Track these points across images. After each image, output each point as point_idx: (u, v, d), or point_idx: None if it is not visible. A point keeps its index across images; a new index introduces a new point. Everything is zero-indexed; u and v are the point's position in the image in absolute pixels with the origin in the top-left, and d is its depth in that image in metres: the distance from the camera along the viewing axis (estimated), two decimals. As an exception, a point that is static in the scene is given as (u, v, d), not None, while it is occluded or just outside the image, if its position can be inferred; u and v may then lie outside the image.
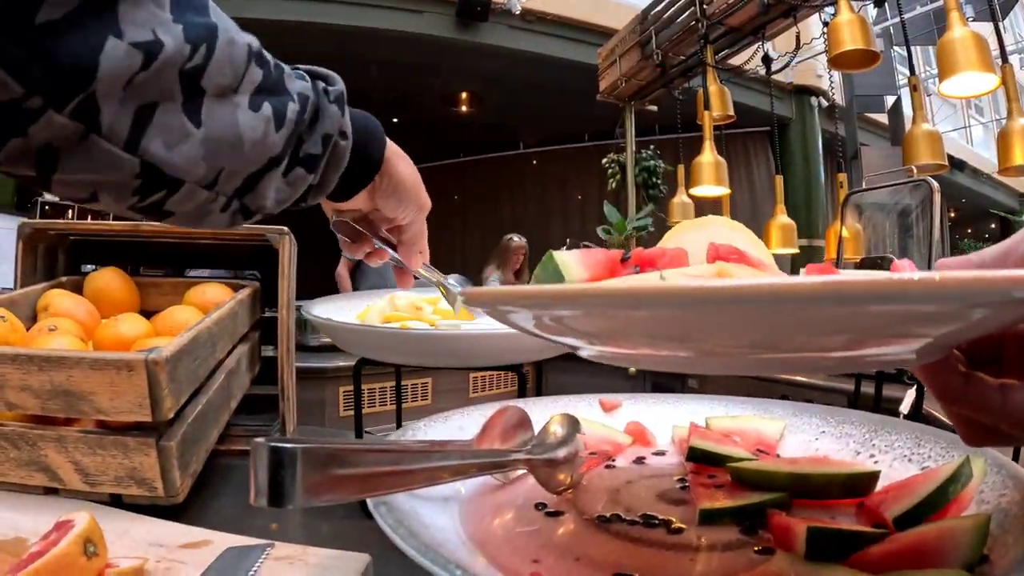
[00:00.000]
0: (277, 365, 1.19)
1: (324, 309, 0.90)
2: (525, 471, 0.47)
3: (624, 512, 0.44)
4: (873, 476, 0.45)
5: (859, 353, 0.33)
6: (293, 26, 6.62)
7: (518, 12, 6.72)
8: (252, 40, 0.49)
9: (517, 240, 5.20)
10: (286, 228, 1.14)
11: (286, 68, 0.54)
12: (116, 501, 0.81)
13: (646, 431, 0.62)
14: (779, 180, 3.60)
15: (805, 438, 0.60)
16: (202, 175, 0.46)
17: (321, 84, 0.58)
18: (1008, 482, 0.42)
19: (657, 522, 0.42)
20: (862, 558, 0.34)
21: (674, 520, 0.42)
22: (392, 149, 0.70)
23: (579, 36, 6.90)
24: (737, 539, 0.40)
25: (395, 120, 9.68)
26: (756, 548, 0.38)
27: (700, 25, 3.67)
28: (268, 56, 0.51)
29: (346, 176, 0.63)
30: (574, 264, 0.45)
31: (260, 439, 0.29)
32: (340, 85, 0.60)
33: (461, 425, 0.54)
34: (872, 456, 0.54)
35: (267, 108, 0.49)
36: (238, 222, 0.54)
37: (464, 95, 8.81)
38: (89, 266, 1.27)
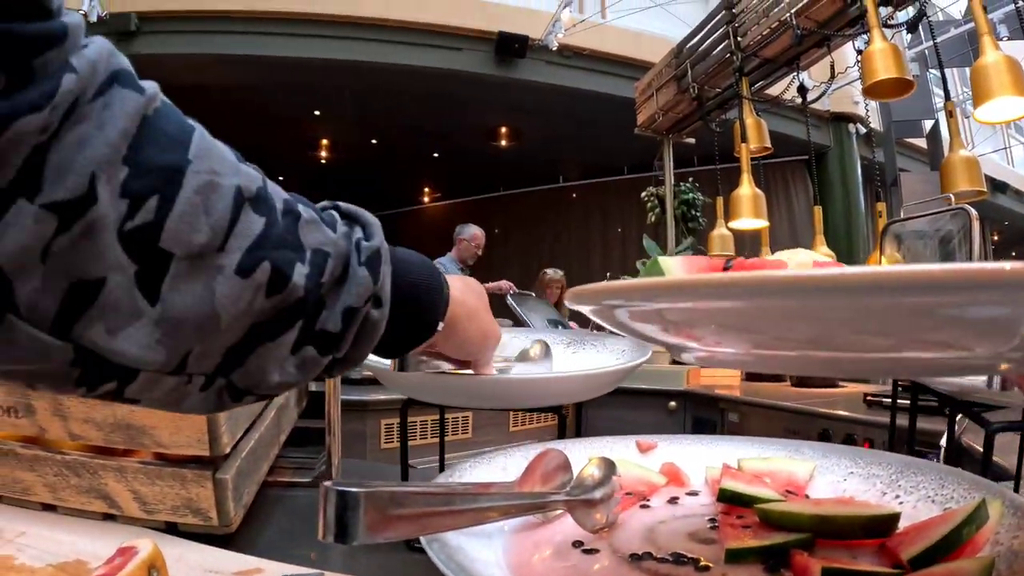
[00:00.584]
0: (324, 400, 1.23)
1: (371, 350, 0.94)
2: (564, 511, 0.50)
3: (655, 551, 0.47)
4: (894, 517, 0.47)
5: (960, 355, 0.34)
6: (337, 64, 6.83)
7: (555, 48, 6.86)
8: (248, 179, 0.39)
9: (551, 273, 5.23)
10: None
11: (303, 211, 0.43)
12: (171, 528, 0.85)
13: (680, 472, 0.64)
14: (818, 211, 3.58)
15: (834, 479, 0.62)
16: (162, 361, 0.37)
17: (357, 233, 0.47)
18: (1023, 524, 0.44)
19: (686, 560, 0.45)
20: (874, 596, 0.37)
21: (702, 559, 0.45)
22: (459, 310, 0.58)
23: (616, 70, 7.02)
24: (762, 577, 0.43)
25: (436, 155, 9.82)
26: (779, 586, 0.41)
27: (735, 58, 3.69)
28: (276, 196, 0.41)
29: (386, 340, 0.50)
30: (677, 268, 0.48)
31: (328, 483, 0.33)
32: (377, 237, 0.47)
33: (504, 465, 0.58)
34: (897, 496, 0.56)
35: (263, 270, 0.38)
36: (227, 404, 0.43)
37: (504, 129, 8.97)
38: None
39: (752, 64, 3.70)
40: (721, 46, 3.90)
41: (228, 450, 0.84)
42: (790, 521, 0.48)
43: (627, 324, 0.41)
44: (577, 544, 0.49)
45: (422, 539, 0.39)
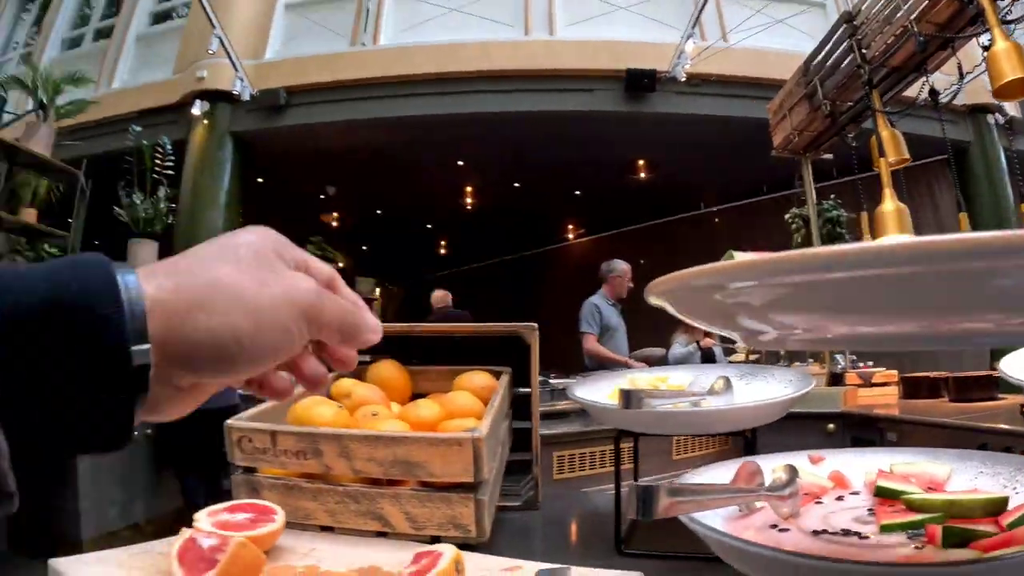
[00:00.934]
0: (530, 435, 1.47)
1: (582, 391, 1.18)
2: (763, 504, 0.72)
3: (829, 528, 0.68)
4: (1003, 500, 0.66)
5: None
6: (476, 116, 7.22)
7: (683, 79, 6.92)
8: None
9: None
10: (535, 324, 1.43)
11: None
12: (434, 541, 1.06)
13: (844, 477, 0.84)
14: (963, 217, 3.46)
15: (967, 477, 0.79)
16: None
17: None
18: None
19: (852, 533, 0.67)
20: (978, 545, 0.57)
21: (863, 532, 0.66)
22: (174, 303, 0.35)
23: (745, 92, 7.00)
24: (904, 541, 0.63)
25: (577, 193, 9.96)
26: (916, 545, 0.62)
27: (862, 70, 3.64)
28: None
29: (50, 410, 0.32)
30: None
31: (631, 482, 0.57)
32: None
33: (712, 476, 0.80)
34: (1015, 488, 0.73)
35: None
36: None
37: (640, 162, 9.06)
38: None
39: (880, 75, 3.64)
40: (848, 59, 3.85)
41: (486, 476, 1.08)
42: (927, 506, 0.68)
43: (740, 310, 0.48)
44: (773, 526, 0.71)
45: (681, 516, 0.62)
